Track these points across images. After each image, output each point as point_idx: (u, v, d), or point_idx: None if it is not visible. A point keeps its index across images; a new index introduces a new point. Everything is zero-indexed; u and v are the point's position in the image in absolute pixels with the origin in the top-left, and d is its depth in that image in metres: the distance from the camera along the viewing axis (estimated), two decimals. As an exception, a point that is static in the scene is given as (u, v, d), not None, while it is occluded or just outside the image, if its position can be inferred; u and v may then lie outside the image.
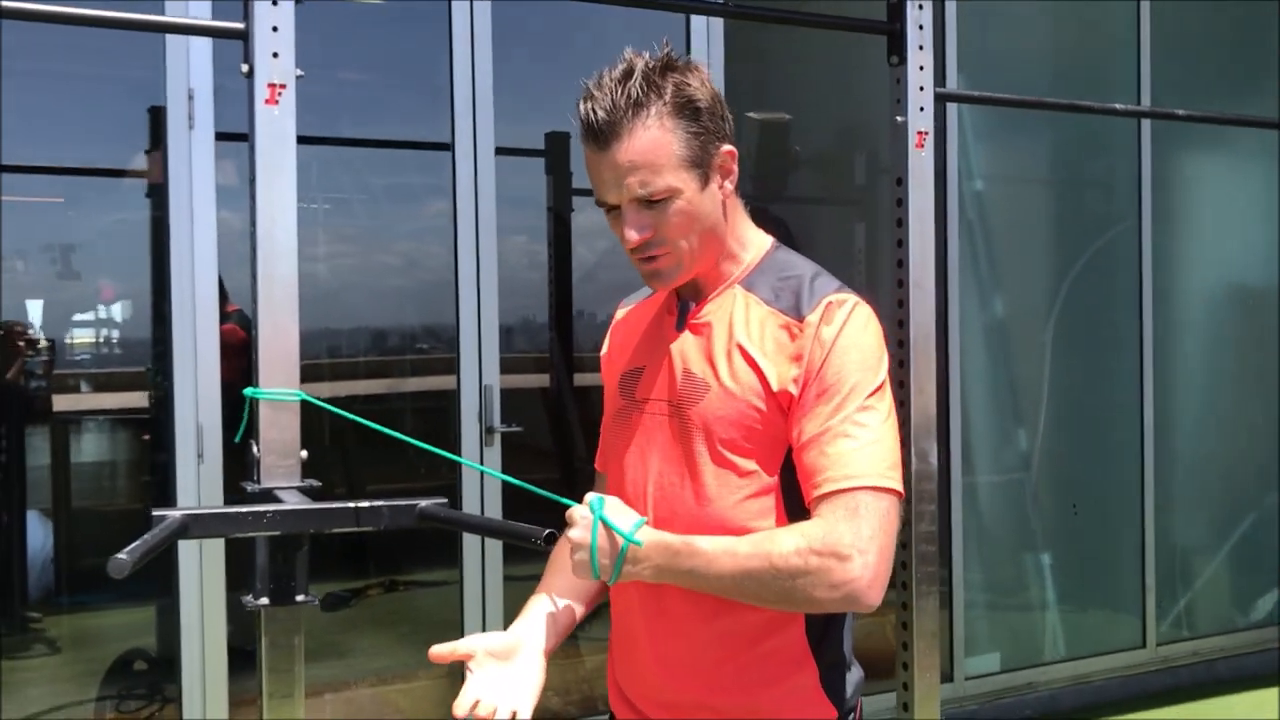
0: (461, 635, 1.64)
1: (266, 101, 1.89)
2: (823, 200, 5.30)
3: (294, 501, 1.82)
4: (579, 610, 1.60)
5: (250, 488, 1.89)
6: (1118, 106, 3.86)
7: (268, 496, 1.86)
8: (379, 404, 4.39)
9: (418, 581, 4.54)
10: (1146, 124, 4.65)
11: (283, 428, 1.91)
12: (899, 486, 1.36)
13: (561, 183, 4.49)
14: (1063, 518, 4.81)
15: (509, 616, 1.86)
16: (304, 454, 1.93)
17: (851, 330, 1.41)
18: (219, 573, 3.03)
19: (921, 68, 2.48)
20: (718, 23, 3.69)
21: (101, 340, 4.04)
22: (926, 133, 2.50)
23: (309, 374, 4.24)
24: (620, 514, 1.43)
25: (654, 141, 1.40)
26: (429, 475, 3.89)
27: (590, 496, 1.46)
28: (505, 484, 3.34)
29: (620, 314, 1.71)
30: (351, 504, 1.75)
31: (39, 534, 3.94)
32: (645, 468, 1.52)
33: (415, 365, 4.32)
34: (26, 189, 3.88)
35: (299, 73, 1.93)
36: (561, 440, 4.55)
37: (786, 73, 4.88)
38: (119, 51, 3.32)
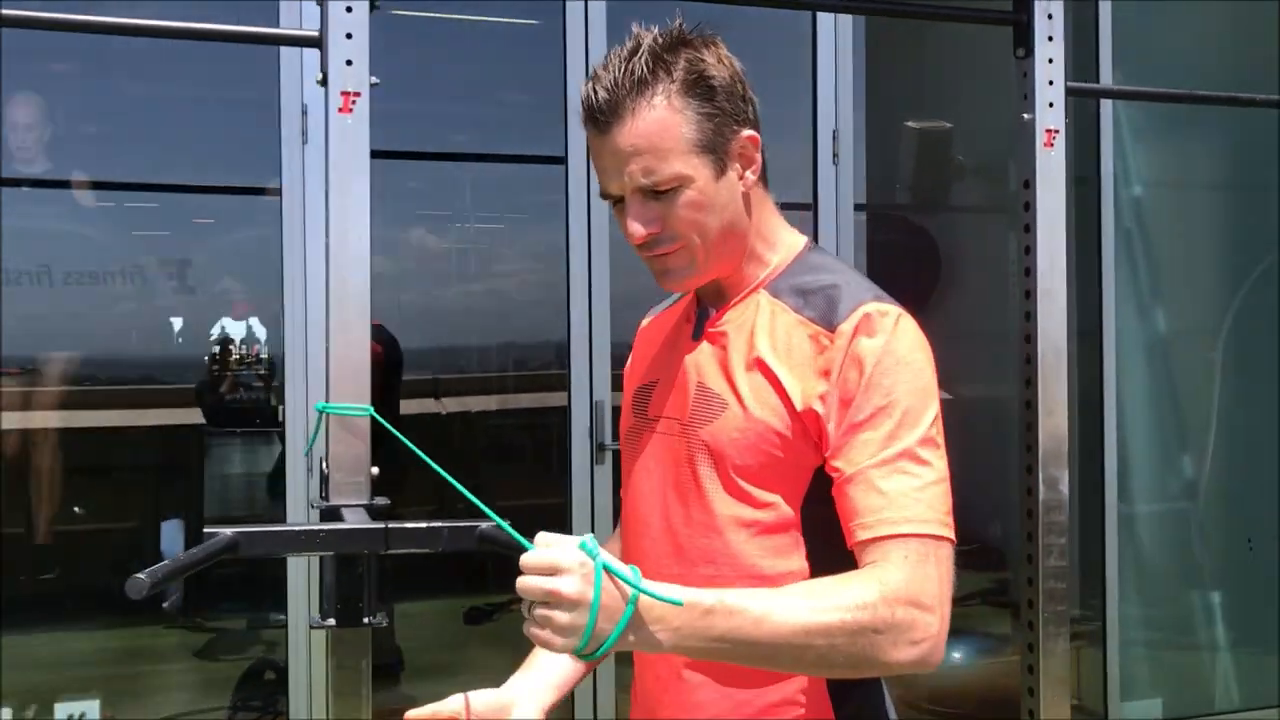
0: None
1: (340, 110, 1.85)
2: (983, 209, 5.04)
3: (355, 520, 1.76)
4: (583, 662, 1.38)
5: (316, 504, 1.85)
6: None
7: (333, 514, 1.81)
8: (493, 420, 4.36)
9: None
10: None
11: (352, 444, 1.85)
12: (954, 537, 1.20)
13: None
14: (1236, 552, 4.40)
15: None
16: (374, 470, 1.87)
17: (900, 345, 1.23)
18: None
19: (1051, 60, 2.28)
20: (845, 27, 3.53)
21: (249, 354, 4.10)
22: (1057, 131, 2.29)
23: (425, 389, 4.26)
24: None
25: (660, 123, 1.24)
26: (540, 493, 3.83)
27: (552, 537, 1.10)
28: (615, 505, 3.24)
29: (645, 322, 1.56)
30: (409, 524, 1.69)
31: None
32: (653, 495, 1.37)
33: (526, 382, 4.28)
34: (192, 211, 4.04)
35: (374, 80, 1.88)
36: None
37: (943, 79, 4.65)
38: (233, 71, 3.39)
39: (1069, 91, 2.29)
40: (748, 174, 1.31)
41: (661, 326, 1.48)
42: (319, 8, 1.86)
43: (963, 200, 4.88)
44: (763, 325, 1.30)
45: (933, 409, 1.23)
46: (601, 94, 1.25)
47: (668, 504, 1.33)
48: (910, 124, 4.52)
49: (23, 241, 3.64)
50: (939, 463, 1.21)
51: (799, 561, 1.25)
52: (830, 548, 1.22)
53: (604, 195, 1.31)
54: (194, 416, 4.13)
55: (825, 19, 3.48)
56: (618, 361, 3.31)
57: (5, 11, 1.59)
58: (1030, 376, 2.29)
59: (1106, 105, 3.88)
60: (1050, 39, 2.28)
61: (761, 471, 1.26)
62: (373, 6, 1.88)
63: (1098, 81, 3.84)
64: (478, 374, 4.41)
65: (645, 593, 1.07)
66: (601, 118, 1.25)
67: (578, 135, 3.27)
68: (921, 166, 4.55)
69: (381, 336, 4.35)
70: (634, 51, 1.26)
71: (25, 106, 3.66)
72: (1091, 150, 3.96)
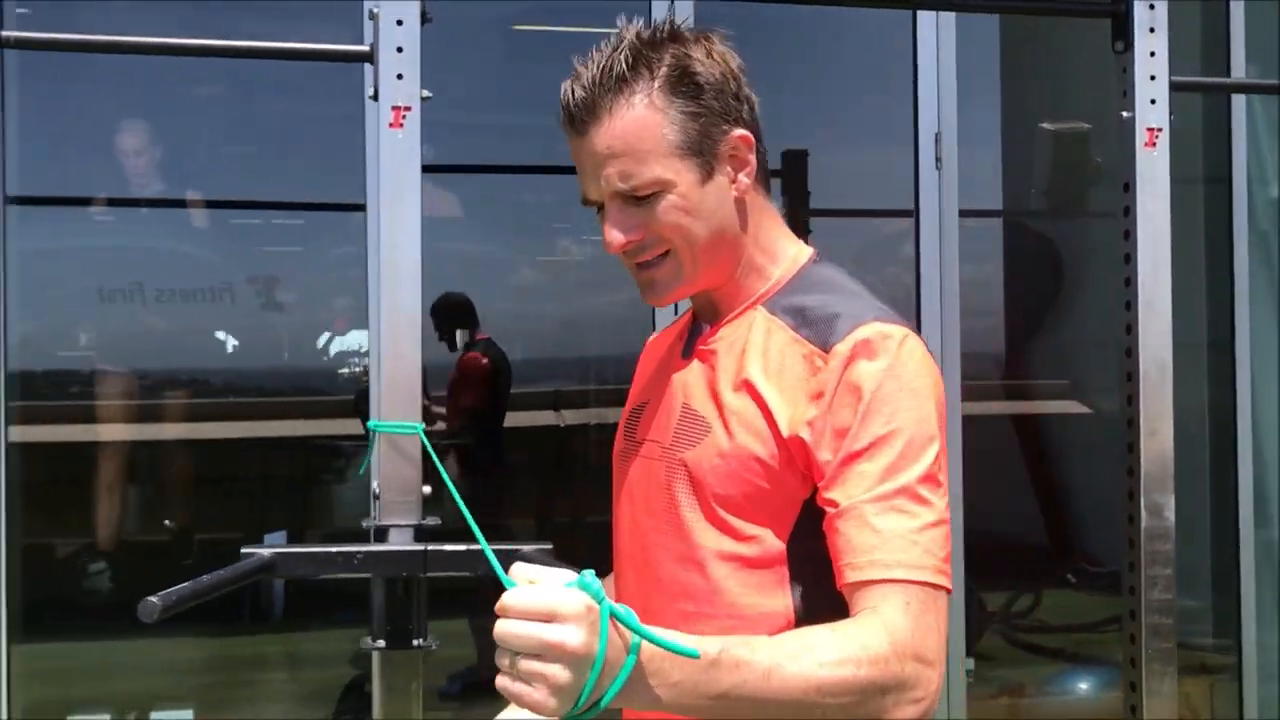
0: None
1: (390, 125, 1.84)
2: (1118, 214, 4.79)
3: (400, 541, 1.74)
4: None
5: (365, 524, 1.83)
6: None
7: (382, 535, 1.79)
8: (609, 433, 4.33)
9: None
10: None
11: (402, 463, 1.83)
12: (951, 586, 1.08)
13: (800, 203, 4.27)
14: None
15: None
16: (426, 489, 1.85)
17: (904, 370, 1.12)
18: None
19: (1152, 54, 2.12)
20: (948, 26, 3.37)
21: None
22: (1160, 129, 2.12)
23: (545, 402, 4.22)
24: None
25: (639, 123, 1.15)
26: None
27: (536, 570, 0.93)
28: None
29: (651, 338, 1.46)
30: (448, 547, 1.65)
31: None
32: (635, 523, 1.27)
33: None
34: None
35: (426, 94, 1.86)
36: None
37: (1080, 78, 4.43)
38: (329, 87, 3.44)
39: (1173, 86, 2.13)
40: (740, 177, 1.21)
41: (661, 344, 1.39)
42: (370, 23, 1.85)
43: (1101, 204, 4.64)
44: (756, 344, 1.20)
45: (937, 443, 1.11)
46: (579, 93, 1.17)
47: (648, 533, 1.25)
48: (1045, 125, 4.32)
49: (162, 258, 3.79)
50: (939, 503, 1.10)
51: (784, 601, 1.15)
52: (820, 587, 1.11)
53: (584, 201, 1.23)
54: (304, 429, 4.23)
55: (925, 18, 3.34)
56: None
57: (6, 33, 1.61)
58: (1131, 393, 2.13)
59: (1239, 101, 3.63)
60: (1152, 31, 2.12)
61: (745, 502, 1.16)
62: (424, 20, 1.86)
63: (1229, 75, 3.59)
64: (595, 386, 4.40)
65: (655, 641, 0.92)
66: (578, 118, 1.17)
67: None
68: (1057, 170, 4.34)
69: (491, 352, 4.39)
70: (615, 47, 1.17)
71: (133, 133, 3.80)
72: (1224, 149, 3.71)
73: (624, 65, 1.15)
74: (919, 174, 3.37)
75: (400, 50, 1.83)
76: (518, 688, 0.89)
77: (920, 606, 1.04)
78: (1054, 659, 4.25)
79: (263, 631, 3.92)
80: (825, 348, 1.14)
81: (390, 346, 1.84)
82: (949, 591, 1.08)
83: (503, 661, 0.90)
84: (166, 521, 3.65)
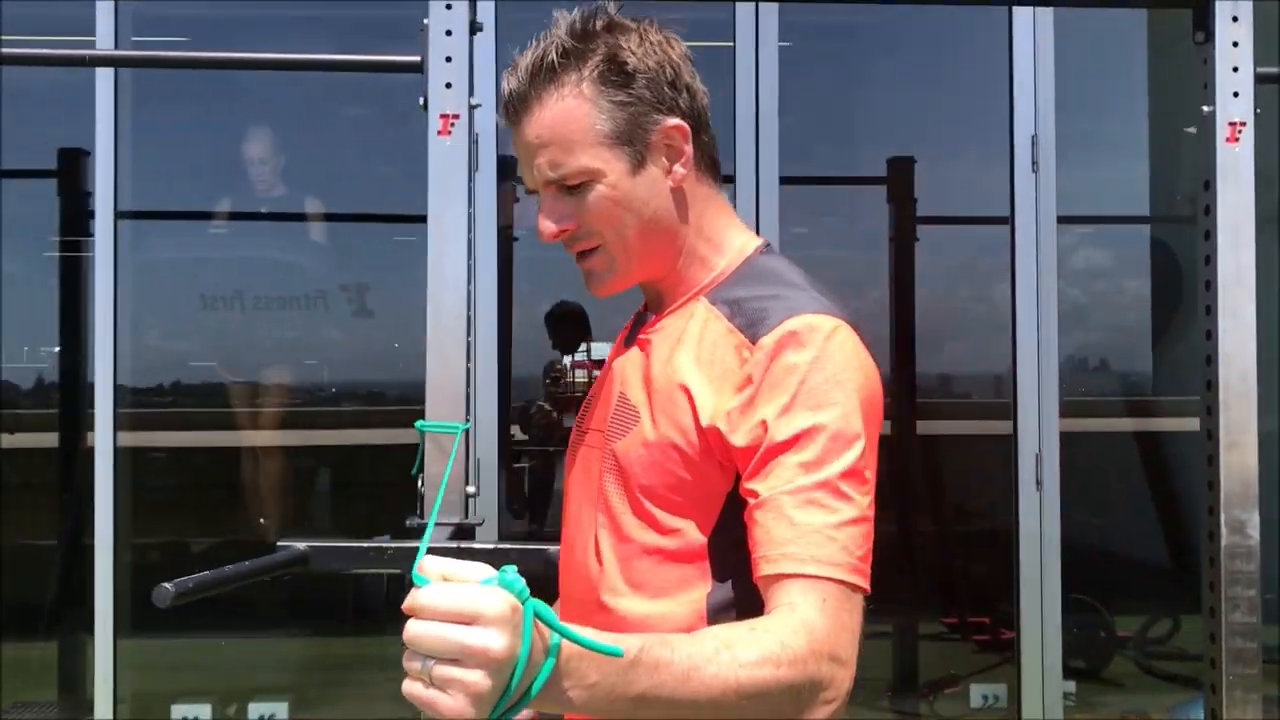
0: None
1: (439, 133, 1.88)
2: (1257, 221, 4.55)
3: (436, 538, 1.76)
4: None
5: (410, 522, 1.86)
6: None
7: (422, 532, 1.82)
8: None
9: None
10: None
11: (446, 461, 1.86)
12: (869, 587, 1.05)
13: (904, 209, 4.19)
14: None
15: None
16: (471, 489, 1.88)
17: (833, 362, 1.08)
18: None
19: (1235, 44, 2.01)
20: (1045, 24, 3.27)
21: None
22: (1243, 124, 2.01)
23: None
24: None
25: (567, 113, 1.16)
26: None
27: (451, 564, 0.84)
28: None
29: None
30: (478, 545, 1.67)
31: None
32: (575, 513, 1.26)
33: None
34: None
35: (476, 102, 1.90)
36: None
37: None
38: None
39: (1258, 79, 2.01)
40: (676, 168, 1.20)
41: (621, 334, 1.39)
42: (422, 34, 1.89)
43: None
44: (692, 334, 1.19)
45: (863, 439, 1.08)
46: (513, 84, 1.18)
47: (584, 523, 1.24)
48: (1190, 130, 4.15)
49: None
50: (862, 500, 1.06)
51: (702, 595, 1.13)
52: (741, 582, 1.09)
53: (527, 192, 1.24)
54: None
55: (1022, 15, 3.24)
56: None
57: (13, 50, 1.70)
58: (1211, 404, 2.01)
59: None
60: (1234, 20, 2.01)
61: (668, 493, 1.14)
62: (473, 30, 1.90)
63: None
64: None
65: (578, 640, 0.85)
66: (512, 109, 1.19)
67: (746, 156, 3.20)
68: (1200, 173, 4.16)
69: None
70: (549, 38, 1.18)
71: (258, 141, 3.98)
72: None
73: (555, 55, 1.16)
74: (1014, 179, 3.28)
75: (449, 60, 1.87)
76: (431, 695, 0.81)
77: (836, 605, 1.01)
78: (1186, 688, 4.05)
79: (365, 633, 4.02)
80: (754, 339, 1.12)
81: (437, 349, 1.88)
82: (866, 593, 1.05)
83: (413, 666, 0.82)
84: (261, 520, 3.79)
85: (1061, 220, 3.27)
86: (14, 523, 3.84)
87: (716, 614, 1.12)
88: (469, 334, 1.89)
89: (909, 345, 3.94)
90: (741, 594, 1.09)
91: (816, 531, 1.03)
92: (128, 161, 3.22)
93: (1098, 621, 4.04)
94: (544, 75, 1.16)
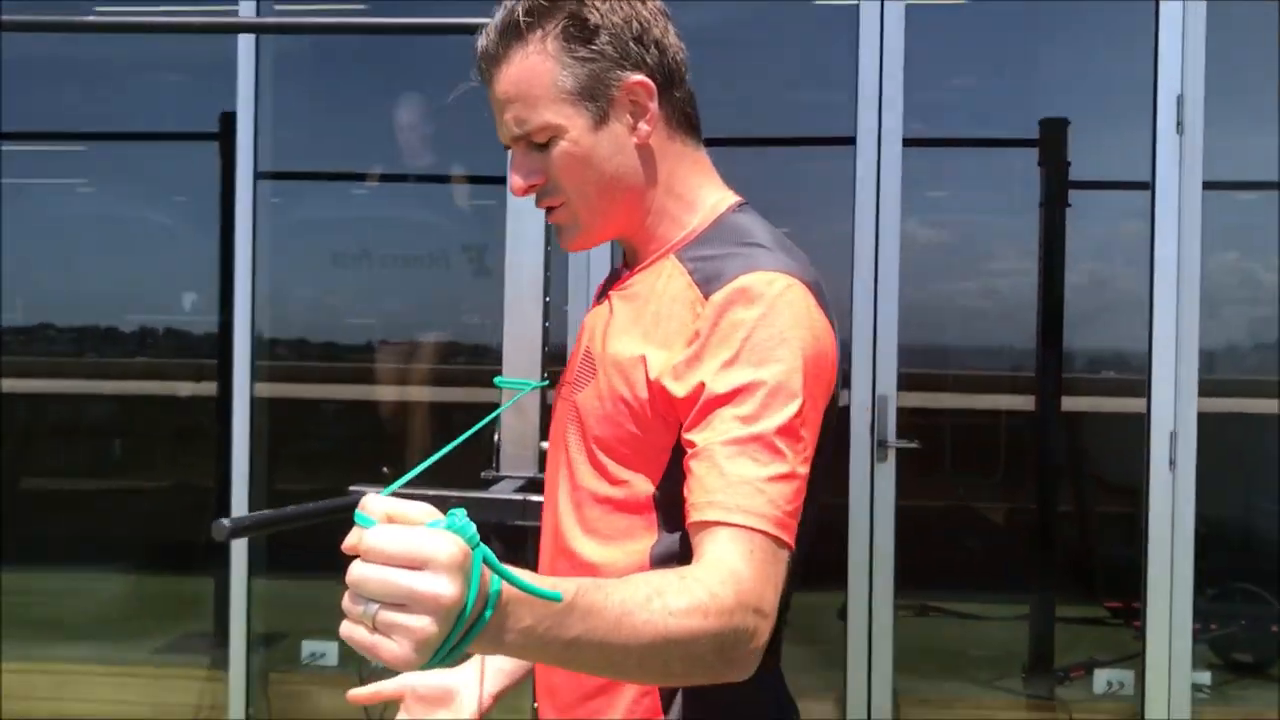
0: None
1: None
2: None
3: (502, 491, 1.81)
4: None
5: (484, 474, 1.91)
6: None
7: (493, 484, 1.87)
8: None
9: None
10: None
11: (521, 417, 1.90)
12: (793, 544, 1.03)
13: (1058, 174, 4.00)
14: None
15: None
16: (544, 445, 1.91)
17: (780, 318, 1.08)
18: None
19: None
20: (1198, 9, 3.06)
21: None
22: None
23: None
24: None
25: (531, 70, 1.16)
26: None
27: (396, 504, 0.82)
28: (899, 506, 3.06)
29: None
30: (521, 498, 1.71)
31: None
32: (552, 465, 1.28)
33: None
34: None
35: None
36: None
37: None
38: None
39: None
40: (641, 125, 1.19)
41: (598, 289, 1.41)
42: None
43: None
44: (657, 291, 1.19)
45: (802, 399, 1.06)
46: (484, 41, 1.20)
47: (553, 471, 1.28)
48: None
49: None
50: (794, 458, 1.05)
51: (647, 546, 1.15)
52: (686, 534, 1.08)
53: (505, 148, 1.25)
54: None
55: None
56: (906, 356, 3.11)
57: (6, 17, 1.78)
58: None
59: None
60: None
61: (619, 446, 1.16)
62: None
63: None
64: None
65: (518, 584, 0.84)
66: (483, 66, 1.21)
67: (868, 123, 3.11)
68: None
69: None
70: None
71: (409, 107, 4.10)
72: None
73: (522, 14, 1.17)
74: (1156, 141, 3.09)
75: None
76: (374, 640, 0.79)
77: (762, 557, 1.01)
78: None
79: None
80: (707, 295, 1.13)
81: (514, 307, 1.92)
82: (791, 549, 1.04)
83: (354, 609, 0.79)
84: (385, 469, 3.93)
85: (1207, 186, 3.07)
86: (194, 467, 4.10)
87: (659, 564, 1.14)
88: (545, 294, 1.92)
89: (1058, 317, 3.76)
90: (685, 547, 1.09)
91: (746, 483, 1.03)
92: (267, 125, 3.37)
93: (1267, 614, 3.82)
94: (511, 33, 1.18)
